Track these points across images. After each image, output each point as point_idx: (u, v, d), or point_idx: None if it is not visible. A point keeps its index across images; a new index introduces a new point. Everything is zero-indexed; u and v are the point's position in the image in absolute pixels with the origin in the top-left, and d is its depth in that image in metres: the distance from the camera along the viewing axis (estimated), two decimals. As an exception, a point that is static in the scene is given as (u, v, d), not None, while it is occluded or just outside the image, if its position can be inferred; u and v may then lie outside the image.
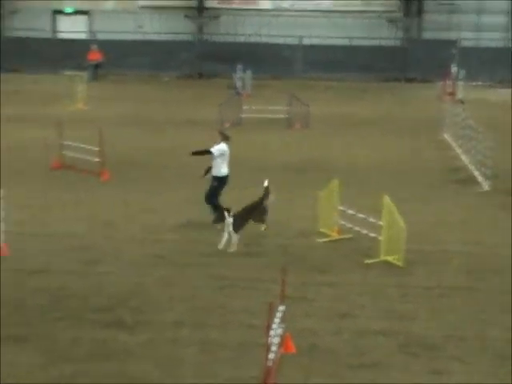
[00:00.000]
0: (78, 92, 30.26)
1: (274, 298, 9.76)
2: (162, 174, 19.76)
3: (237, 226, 13.81)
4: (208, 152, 15.24)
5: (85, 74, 33.18)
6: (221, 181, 15.25)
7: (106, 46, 40.60)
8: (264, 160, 21.44)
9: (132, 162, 20.87)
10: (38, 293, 11.77)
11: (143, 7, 43.50)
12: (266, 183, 14.62)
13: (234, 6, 43.48)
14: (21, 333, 10.34)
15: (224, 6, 43.50)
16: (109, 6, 43.57)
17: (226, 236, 13.81)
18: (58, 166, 19.80)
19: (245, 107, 27.39)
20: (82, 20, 43.85)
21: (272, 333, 8.81)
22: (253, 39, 42.59)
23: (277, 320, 9.10)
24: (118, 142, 22.50)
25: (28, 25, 43.07)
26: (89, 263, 13.07)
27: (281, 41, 42.17)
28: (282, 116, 27.07)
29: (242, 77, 35.84)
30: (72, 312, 11.10)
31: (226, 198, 15.32)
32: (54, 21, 43.99)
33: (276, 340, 8.99)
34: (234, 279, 12.45)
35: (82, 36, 43.33)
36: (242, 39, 42.66)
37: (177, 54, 41.64)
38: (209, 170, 15.36)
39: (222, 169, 15.22)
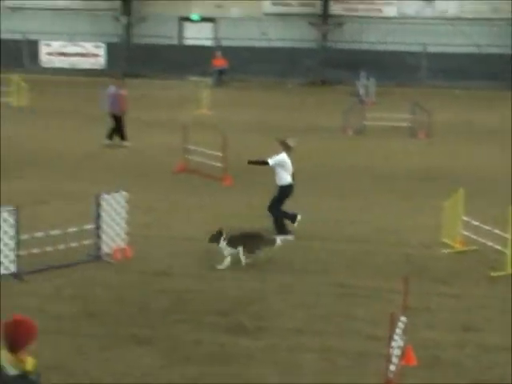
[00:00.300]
0: (202, 97, 30.67)
1: (395, 308, 9.59)
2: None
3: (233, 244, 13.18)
4: (265, 163, 15.19)
5: (209, 80, 33.66)
6: (283, 190, 15.03)
7: (231, 52, 41.07)
8: (387, 168, 21.20)
9: (255, 167, 20.92)
10: (161, 295, 11.94)
11: (268, 14, 43.78)
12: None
13: (359, 13, 43.25)
14: (144, 334, 10.50)
15: (348, 13, 43.34)
16: (234, 13, 44.01)
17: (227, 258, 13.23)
18: (181, 170, 20.07)
19: (368, 115, 27.15)
20: (207, 27, 44.48)
21: (393, 344, 8.66)
22: (377, 47, 42.23)
23: (398, 331, 8.95)
24: (240, 147, 22.61)
25: (156, 32, 44.03)
26: (211, 267, 13.17)
27: (405, 48, 41.72)
28: (405, 124, 26.71)
29: (366, 84, 35.56)
30: (193, 315, 11.22)
31: (349, 204, 15.15)
32: (180, 28, 44.80)
33: (397, 351, 8.84)
34: (355, 288, 12.31)
35: (208, 43, 43.93)
36: (365, 46, 42.37)
37: (300, 61, 41.72)
38: (261, 162, 15.45)
39: (283, 179, 15.01)
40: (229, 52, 40.95)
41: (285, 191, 15.04)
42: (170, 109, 30.59)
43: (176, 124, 25.20)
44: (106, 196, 13.28)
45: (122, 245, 13.53)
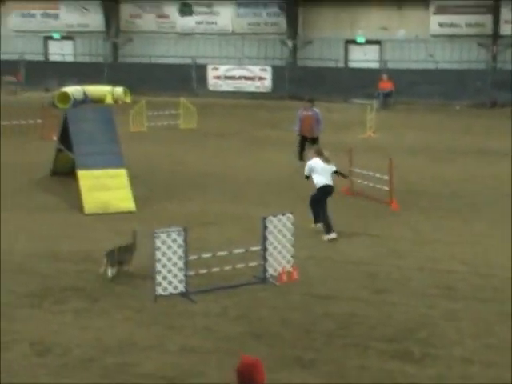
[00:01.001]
0: (367, 120, 30.50)
1: None
2: (451, 204, 19.29)
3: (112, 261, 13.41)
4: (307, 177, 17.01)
5: (375, 103, 33.35)
6: (318, 191, 16.60)
7: (397, 74, 40.71)
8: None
9: (421, 191, 20.60)
10: (325, 318, 11.84)
11: (435, 36, 43.18)
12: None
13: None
14: (308, 357, 10.43)
15: None
16: (400, 35, 43.66)
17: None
18: (347, 193, 19.96)
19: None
20: (373, 49, 44.33)
21: None
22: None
23: None
24: (406, 170, 22.33)
25: (321, 54, 44.38)
26: (377, 291, 12.98)
27: None
28: None
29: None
30: (359, 340, 11.05)
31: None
32: (346, 50, 44.85)
33: None
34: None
35: (373, 65, 43.73)
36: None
37: (468, 83, 40.80)
38: (342, 174, 17.45)
39: (316, 180, 16.58)
40: (394, 74, 40.61)
41: (319, 191, 16.63)
42: (336, 131, 30.53)
43: (341, 146, 25.12)
44: (272, 218, 13.34)
45: (288, 267, 13.54)
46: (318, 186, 16.61)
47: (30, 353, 10.57)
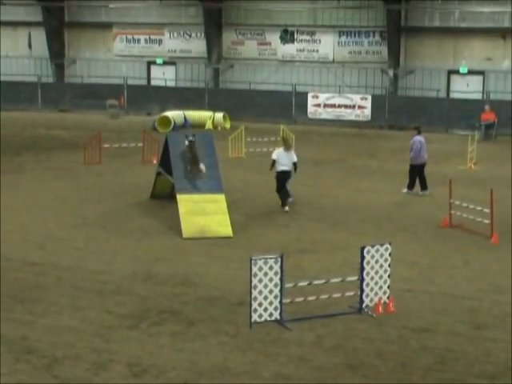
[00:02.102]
0: (468, 151, 30.05)
1: None
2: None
3: None
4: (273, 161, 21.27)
5: (476, 134, 32.83)
6: (276, 175, 21.23)
7: (500, 106, 40.04)
8: None
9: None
10: (422, 352, 11.66)
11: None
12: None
13: None
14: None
15: None
16: (505, 65, 42.99)
17: None
18: (446, 225, 19.69)
19: None
20: (476, 80, 43.71)
21: None
22: None
23: None
24: (507, 203, 21.90)
25: (422, 84, 44.08)
26: (476, 327, 12.73)
27: None
28: None
29: None
30: (456, 375, 10.84)
31: None
32: (448, 80, 44.39)
33: None
34: None
35: (476, 96, 43.12)
36: None
37: None
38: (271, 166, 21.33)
39: (277, 167, 21.17)
40: (497, 106, 39.94)
41: (279, 176, 21.13)
42: (436, 162, 30.16)
43: (441, 177, 24.86)
44: (370, 248, 13.25)
45: (384, 298, 13.42)
46: (276, 171, 21.03)
47: (127, 373, 10.72)
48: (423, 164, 24.03)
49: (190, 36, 49.01)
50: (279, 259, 12.54)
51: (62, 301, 13.61)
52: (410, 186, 23.92)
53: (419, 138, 24.13)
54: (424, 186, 23.88)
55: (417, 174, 23.92)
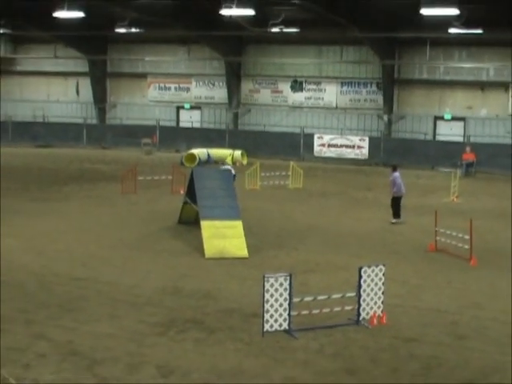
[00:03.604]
0: (451, 186, 29.98)
1: None
2: (526, 263, 18.71)
3: None
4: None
5: (458, 171, 32.75)
6: None
7: (478, 147, 40.02)
8: None
9: (498, 250, 20.08)
10: (410, 359, 11.61)
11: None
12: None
13: None
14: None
15: None
16: (483, 113, 43.01)
17: None
18: (432, 249, 19.65)
19: None
20: (458, 125, 43.70)
21: None
22: None
23: None
24: (485, 231, 21.85)
25: (412, 128, 44.14)
26: (458, 337, 12.67)
27: None
28: None
29: None
30: (439, 380, 10.79)
31: None
32: (434, 125, 44.42)
33: None
34: None
35: (458, 139, 43.12)
36: None
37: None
38: None
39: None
40: (477, 147, 39.91)
41: None
42: (423, 195, 30.15)
43: (428, 209, 24.83)
44: (367, 268, 13.25)
45: (379, 312, 13.38)
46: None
47: (157, 374, 10.72)
48: (402, 196, 24.07)
49: (214, 85, 49.26)
50: (288, 277, 12.55)
51: (102, 311, 13.64)
52: (397, 215, 23.85)
53: (397, 174, 24.09)
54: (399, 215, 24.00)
55: (398, 204, 23.92)
